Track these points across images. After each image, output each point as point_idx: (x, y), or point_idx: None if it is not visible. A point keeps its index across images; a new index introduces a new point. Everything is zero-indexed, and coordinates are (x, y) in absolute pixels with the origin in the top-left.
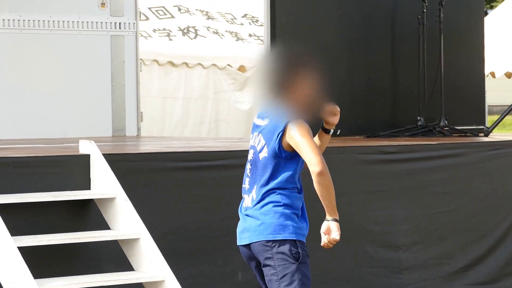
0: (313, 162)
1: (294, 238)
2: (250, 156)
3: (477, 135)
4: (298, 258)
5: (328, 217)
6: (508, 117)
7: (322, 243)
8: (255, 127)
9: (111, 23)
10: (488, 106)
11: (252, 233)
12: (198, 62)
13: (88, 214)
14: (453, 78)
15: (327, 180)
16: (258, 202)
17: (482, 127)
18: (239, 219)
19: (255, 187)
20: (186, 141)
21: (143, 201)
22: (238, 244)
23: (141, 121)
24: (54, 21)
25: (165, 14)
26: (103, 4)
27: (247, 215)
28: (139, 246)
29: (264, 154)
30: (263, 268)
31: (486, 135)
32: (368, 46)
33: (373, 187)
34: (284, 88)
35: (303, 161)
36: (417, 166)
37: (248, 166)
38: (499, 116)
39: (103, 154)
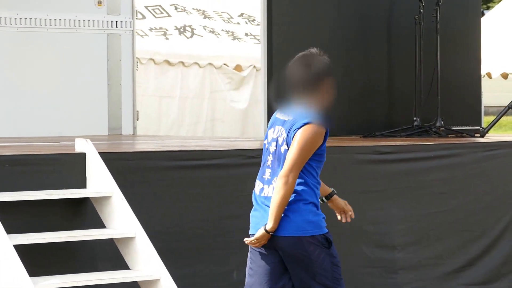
0: (286, 174)
1: (322, 233)
2: (272, 148)
3: (473, 136)
4: (328, 246)
5: (268, 225)
6: (504, 118)
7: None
8: (277, 120)
9: (107, 21)
10: (484, 106)
11: (280, 227)
12: (195, 61)
13: (84, 212)
14: (450, 78)
15: (288, 193)
16: None
17: (478, 127)
18: (235, 218)
19: (275, 179)
20: (182, 140)
21: (139, 200)
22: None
23: (137, 119)
24: (51, 19)
25: (161, 13)
26: (99, 3)
27: (268, 206)
28: (135, 245)
29: (285, 147)
30: (289, 259)
31: (482, 136)
32: (364, 46)
33: (370, 187)
34: (310, 91)
35: (323, 156)
36: (413, 167)
37: (269, 157)
38: (495, 117)
39: (99, 153)
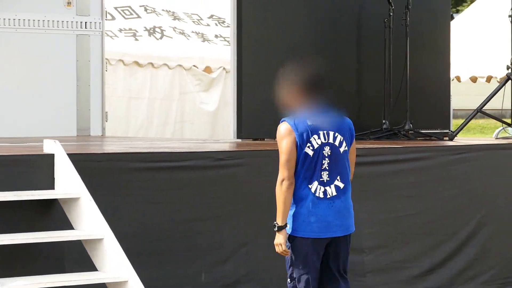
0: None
1: None
2: (327, 152)
3: (442, 139)
4: None
5: None
6: (472, 121)
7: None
8: (315, 127)
9: (77, 22)
10: (453, 110)
11: (351, 223)
12: (164, 62)
13: (52, 214)
14: (419, 82)
15: None
16: (346, 193)
17: (447, 131)
18: (204, 220)
19: (338, 177)
20: (151, 141)
21: (108, 201)
22: (333, 235)
23: (106, 121)
24: (19, 19)
25: (131, 14)
26: (69, 3)
27: (339, 204)
28: (103, 247)
29: (344, 148)
30: (340, 253)
31: (451, 139)
32: (334, 48)
33: None
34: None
35: None
36: (382, 170)
37: (325, 161)
38: (464, 120)
39: (68, 154)
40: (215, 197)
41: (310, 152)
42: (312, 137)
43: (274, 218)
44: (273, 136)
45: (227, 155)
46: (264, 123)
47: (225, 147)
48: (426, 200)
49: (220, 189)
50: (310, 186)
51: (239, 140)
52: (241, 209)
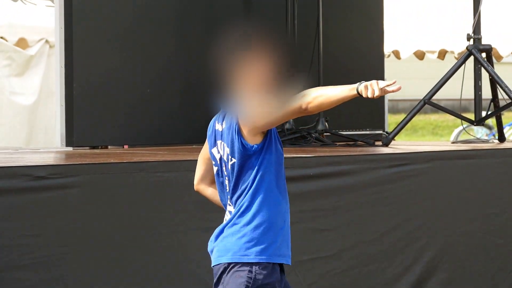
0: None
1: None
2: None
3: (373, 145)
4: None
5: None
6: (420, 118)
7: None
8: None
9: None
10: (390, 100)
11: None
12: None
13: None
14: (337, 59)
15: None
16: None
17: (380, 132)
18: (11, 271)
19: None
20: None
21: None
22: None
23: None
24: None
25: None
26: None
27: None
28: None
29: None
30: None
31: (386, 145)
32: (211, 21)
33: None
34: None
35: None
36: None
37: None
38: (405, 115)
39: None
40: (32, 235)
41: None
42: None
43: (119, 263)
44: (120, 143)
45: (52, 171)
46: (106, 123)
47: (49, 159)
48: (347, 235)
49: (40, 223)
50: None
51: (70, 149)
52: (72, 251)
